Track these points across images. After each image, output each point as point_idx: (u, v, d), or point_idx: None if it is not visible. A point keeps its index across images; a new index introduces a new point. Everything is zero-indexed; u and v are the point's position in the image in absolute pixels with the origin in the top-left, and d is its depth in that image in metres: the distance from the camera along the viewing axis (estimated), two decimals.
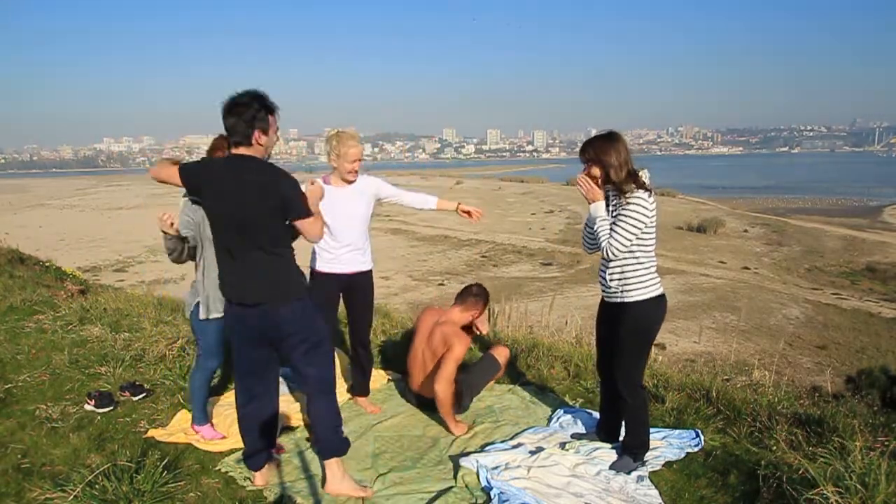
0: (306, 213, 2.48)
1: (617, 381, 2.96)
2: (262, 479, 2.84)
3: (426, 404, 3.64)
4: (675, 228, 36.32)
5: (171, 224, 2.77)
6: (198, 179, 2.53)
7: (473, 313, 3.65)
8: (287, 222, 2.51)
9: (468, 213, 3.44)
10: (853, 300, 20.91)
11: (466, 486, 2.82)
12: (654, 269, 2.82)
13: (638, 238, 2.73)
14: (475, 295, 3.66)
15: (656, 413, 3.60)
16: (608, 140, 2.75)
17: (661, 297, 2.85)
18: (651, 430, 3.34)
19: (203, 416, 3.28)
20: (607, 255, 2.74)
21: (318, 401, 2.71)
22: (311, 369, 2.65)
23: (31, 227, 34.88)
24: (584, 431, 3.40)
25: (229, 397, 3.93)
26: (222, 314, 2.87)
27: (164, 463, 2.86)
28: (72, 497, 2.55)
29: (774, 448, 3.08)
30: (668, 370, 4.45)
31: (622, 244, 2.70)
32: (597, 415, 3.55)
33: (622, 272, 2.80)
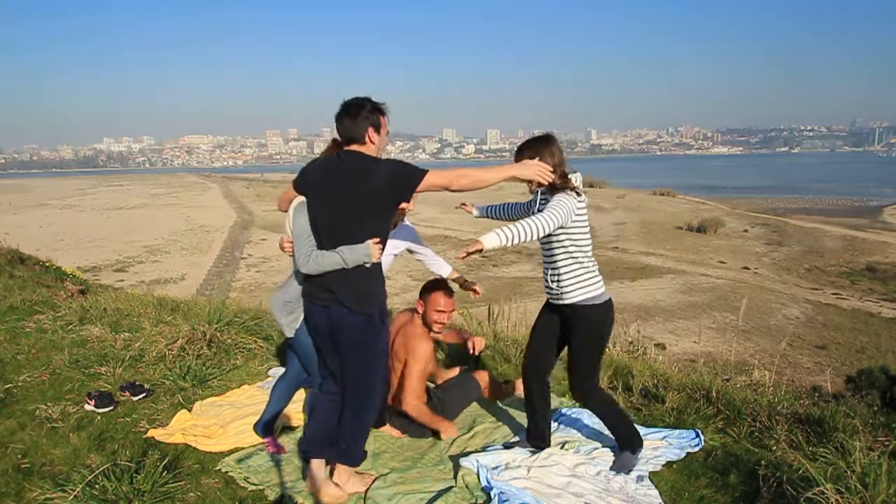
0: (420, 171, 2.44)
1: (573, 388, 2.97)
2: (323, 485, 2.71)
3: (402, 414, 3.43)
4: (675, 228, 36.33)
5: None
6: (304, 178, 2.58)
7: (428, 305, 3.37)
8: (406, 198, 2.48)
9: (474, 290, 3.57)
10: (853, 300, 20.92)
11: (466, 486, 2.82)
12: (594, 271, 2.82)
13: (569, 236, 2.73)
14: (424, 288, 3.46)
15: (656, 413, 3.61)
16: (544, 142, 2.78)
17: (607, 303, 2.85)
18: (651, 429, 3.35)
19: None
20: (532, 230, 2.57)
21: (350, 413, 2.67)
22: (357, 385, 2.61)
23: (31, 227, 34.89)
24: (584, 432, 3.40)
25: (231, 396, 3.94)
26: None
27: (164, 463, 2.86)
28: (72, 497, 2.55)
29: (774, 448, 3.08)
30: (668, 370, 4.45)
31: (544, 222, 2.58)
32: None
33: (561, 272, 2.79)
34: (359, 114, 2.46)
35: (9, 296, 6.36)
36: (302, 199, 2.60)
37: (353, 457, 2.72)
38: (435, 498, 2.73)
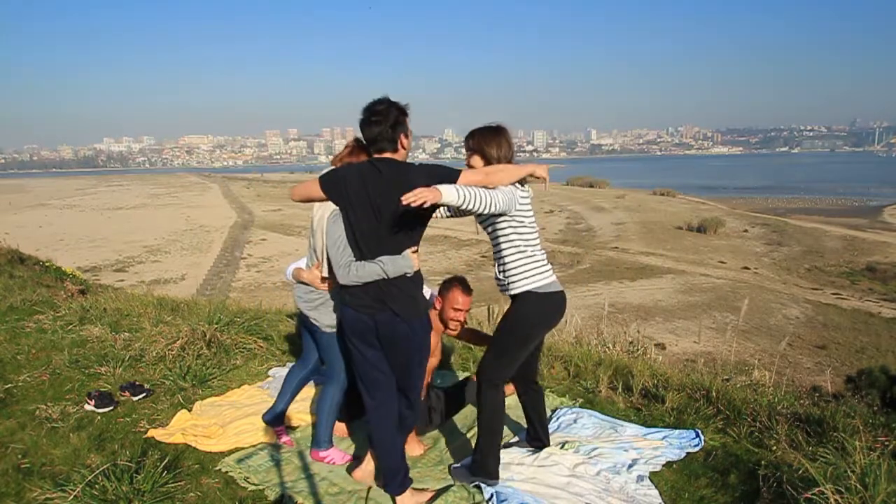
0: (455, 171, 2.44)
1: (478, 373, 2.88)
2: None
3: None
4: (675, 228, 36.36)
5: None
6: (339, 187, 2.50)
7: (446, 303, 3.33)
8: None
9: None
10: (853, 300, 20.95)
11: (466, 486, 2.82)
12: (541, 261, 2.77)
13: (513, 227, 2.71)
14: (443, 285, 3.41)
15: (656, 413, 3.61)
16: (493, 132, 2.76)
17: (553, 295, 2.77)
18: (651, 429, 3.36)
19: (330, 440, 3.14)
20: (482, 199, 2.54)
21: (407, 411, 2.70)
22: (407, 388, 2.64)
23: (31, 227, 34.92)
24: (584, 432, 3.40)
25: (231, 396, 3.94)
26: None
27: (164, 463, 2.86)
28: (72, 497, 2.55)
29: (774, 448, 3.08)
30: (668, 370, 4.45)
31: (494, 197, 2.56)
32: (598, 414, 3.56)
33: (507, 263, 2.76)
34: (387, 120, 2.42)
35: (9, 296, 6.35)
36: (335, 208, 2.57)
37: (399, 487, 2.69)
38: (435, 498, 2.73)
